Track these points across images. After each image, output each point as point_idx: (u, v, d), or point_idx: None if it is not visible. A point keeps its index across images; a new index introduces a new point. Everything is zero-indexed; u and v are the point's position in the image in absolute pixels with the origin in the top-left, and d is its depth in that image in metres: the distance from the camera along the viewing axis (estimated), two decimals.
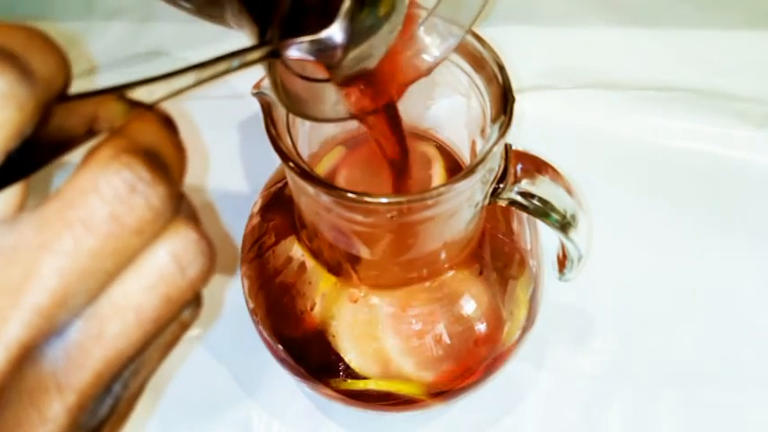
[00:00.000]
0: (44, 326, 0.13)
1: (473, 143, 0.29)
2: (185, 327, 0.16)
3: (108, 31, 0.51)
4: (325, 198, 0.24)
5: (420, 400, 0.31)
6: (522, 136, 0.43)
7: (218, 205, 0.42)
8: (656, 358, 0.38)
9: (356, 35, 0.21)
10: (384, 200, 0.23)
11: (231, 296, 0.39)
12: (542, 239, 0.34)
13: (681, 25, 0.50)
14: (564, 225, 0.28)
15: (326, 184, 0.23)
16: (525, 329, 0.32)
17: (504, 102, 0.25)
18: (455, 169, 0.32)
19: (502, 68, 0.25)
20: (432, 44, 0.26)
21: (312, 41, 0.21)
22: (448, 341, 0.30)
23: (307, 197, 0.26)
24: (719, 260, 0.40)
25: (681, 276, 0.40)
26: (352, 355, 0.30)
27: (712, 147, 0.44)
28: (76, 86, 0.15)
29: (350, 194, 0.23)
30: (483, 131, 0.26)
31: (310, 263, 0.30)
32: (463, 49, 0.26)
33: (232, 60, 0.18)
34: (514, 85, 0.25)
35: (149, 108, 0.16)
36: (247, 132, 0.45)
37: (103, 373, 0.14)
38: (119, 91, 0.15)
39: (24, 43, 0.13)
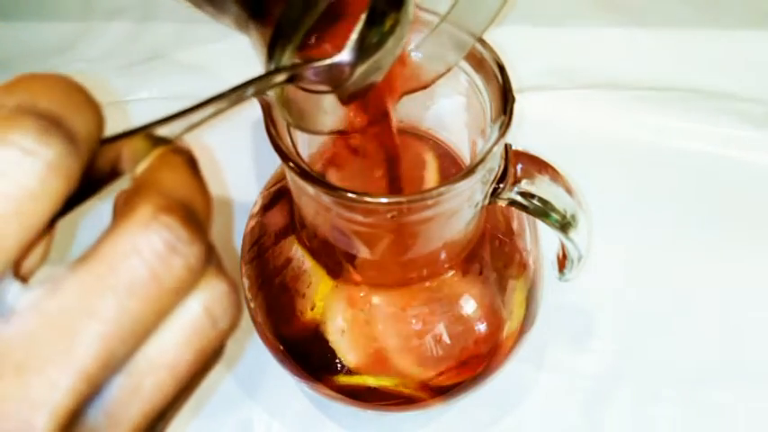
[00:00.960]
0: (89, 391, 0.13)
1: (473, 143, 0.29)
2: (208, 370, 0.16)
3: (108, 31, 0.51)
4: (325, 198, 0.24)
5: (420, 399, 0.31)
6: (522, 136, 0.43)
7: (218, 205, 0.42)
8: (656, 358, 0.38)
9: (364, 53, 0.21)
10: (384, 200, 0.23)
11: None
12: (542, 239, 0.34)
13: (681, 25, 0.50)
14: (564, 225, 0.28)
15: (326, 184, 0.23)
16: (525, 329, 0.32)
17: (504, 102, 0.25)
18: (455, 169, 0.32)
19: (502, 68, 0.25)
20: (438, 53, 0.26)
21: (328, 65, 0.21)
22: (448, 341, 0.30)
23: (307, 197, 0.26)
24: (719, 260, 0.40)
25: (681, 276, 0.40)
26: (352, 354, 0.30)
27: (712, 147, 0.44)
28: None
29: (350, 194, 0.23)
30: (483, 131, 0.26)
31: (310, 263, 0.30)
32: None
33: (249, 89, 0.18)
34: (514, 85, 0.25)
35: (169, 142, 0.16)
36: (247, 132, 0.45)
37: (141, 426, 0.15)
38: (144, 131, 0.16)
39: (65, 101, 0.14)
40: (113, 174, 0.16)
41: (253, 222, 0.33)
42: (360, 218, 0.25)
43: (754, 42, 0.49)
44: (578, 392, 0.37)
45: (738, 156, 0.44)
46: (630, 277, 0.40)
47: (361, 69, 0.21)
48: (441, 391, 0.31)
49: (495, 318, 0.31)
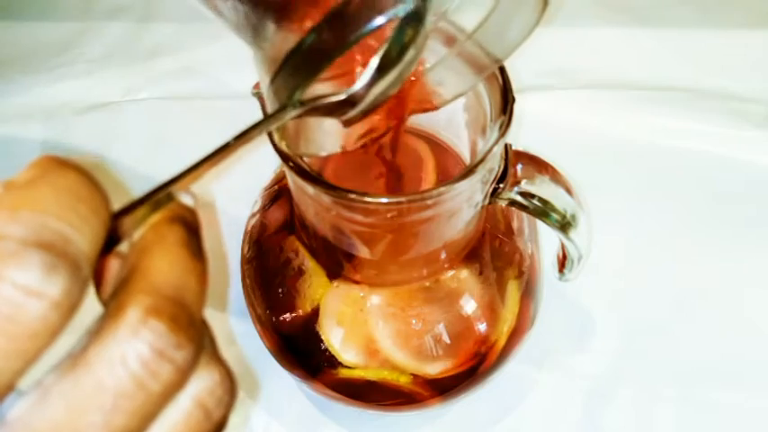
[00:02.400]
0: None
1: (473, 143, 0.29)
2: None
3: (108, 31, 0.51)
4: (325, 198, 0.24)
5: (420, 398, 0.31)
6: (522, 136, 0.43)
7: (218, 205, 0.42)
8: (656, 358, 0.38)
9: (378, 80, 0.21)
10: (384, 200, 0.23)
11: (231, 296, 0.39)
12: (542, 239, 0.34)
13: (681, 25, 0.50)
14: (564, 225, 0.28)
15: (327, 184, 0.23)
16: (525, 329, 0.32)
17: (504, 102, 0.25)
18: (455, 170, 0.32)
19: (502, 68, 0.25)
20: (457, 74, 0.25)
21: (339, 101, 0.20)
22: (447, 341, 0.30)
23: (307, 197, 0.26)
24: (719, 260, 0.40)
25: (681, 276, 0.40)
26: (351, 353, 0.30)
27: (712, 147, 0.44)
28: None
29: (350, 194, 0.23)
30: (483, 131, 0.26)
31: (310, 263, 0.30)
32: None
33: (254, 133, 0.18)
34: (514, 85, 0.25)
35: (171, 199, 0.16)
36: None
37: None
38: (147, 200, 0.16)
39: (73, 216, 0.13)
40: (113, 241, 0.16)
41: (253, 221, 0.33)
42: (360, 218, 0.25)
43: (754, 42, 0.49)
44: (578, 392, 0.37)
45: (738, 156, 0.44)
46: (630, 277, 0.40)
47: (374, 95, 0.21)
48: (440, 388, 0.31)
49: (494, 317, 0.31)
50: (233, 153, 0.18)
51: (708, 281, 0.40)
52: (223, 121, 0.47)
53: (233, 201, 0.41)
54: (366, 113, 0.22)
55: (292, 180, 0.26)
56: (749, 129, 0.45)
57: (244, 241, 0.33)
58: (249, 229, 0.33)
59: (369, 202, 0.23)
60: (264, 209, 0.33)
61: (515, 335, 0.32)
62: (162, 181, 0.16)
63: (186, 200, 0.17)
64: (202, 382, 0.15)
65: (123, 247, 0.16)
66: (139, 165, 0.45)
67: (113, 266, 0.16)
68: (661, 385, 0.37)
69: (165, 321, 0.14)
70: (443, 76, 0.25)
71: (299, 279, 0.30)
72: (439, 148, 0.33)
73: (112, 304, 0.14)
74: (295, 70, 0.18)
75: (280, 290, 0.31)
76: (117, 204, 0.16)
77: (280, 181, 0.33)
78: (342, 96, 0.20)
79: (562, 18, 0.50)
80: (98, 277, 0.16)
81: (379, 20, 0.17)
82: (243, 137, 0.18)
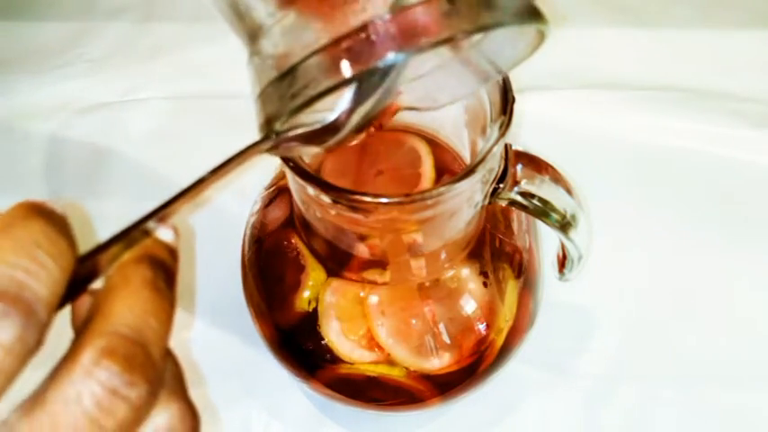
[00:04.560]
0: None
1: (473, 143, 0.29)
2: None
3: (108, 31, 0.51)
4: (324, 198, 0.24)
5: (420, 399, 0.31)
6: (522, 136, 0.43)
7: (218, 205, 0.42)
8: (656, 358, 0.38)
9: (353, 113, 0.20)
10: (384, 200, 0.23)
11: (231, 296, 0.39)
12: (542, 239, 0.34)
13: (681, 25, 0.50)
14: (564, 225, 0.28)
15: (327, 184, 0.23)
16: (525, 329, 0.32)
17: (504, 102, 0.25)
18: (455, 169, 0.32)
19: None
20: (458, 79, 0.25)
21: (320, 128, 0.20)
22: (447, 340, 0.30)
23: (306, 197, 0.26)
24: (719, 260, 0.40)
25: (681, 276, 0.40)
26: (351, 349, 0.30)
27: (712, 147, 0.44)
28: None
29: (350, 194, 0.23)
30: (483, 131, 0.26)
31: (310, 261, 0.30)
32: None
33: (231, 167, 0.19)
34: (514, 85, 0.25)
35: (147, 234, 0.17)
36: (247, 132, 0.45)
37: None
38: (121, 239, 0.16)
39: (30, 260, 0.14)
40: (91, 275, 0.16)
41: (253, 221, 0.33)
42: (360, 218, 0.25)
43: (753, 42, 0.49)
44: (578, 392, 0.37)
45: (738, 156, 0.44)
46: (630, 277, 0.40)
47: (355, 121, 0.21)
48: (440, 387, 0.31)
49: (494, 318, 0.31)
50: (209, 186, 0.18)
51: (708, 280, 0.40)
52: (223, 121, 0.47)
53: (233, 200, 0.41)
54: (348, 139, 0.22)
55: (292, 180, 0.26)
56: (749, 129, 0.45)
57: (244, 240, 0.34)
58: (249, 228, 0.34)
59: (369, 203, 0.23)
60: (264, 209, 0.33)
61: (515, 334, 0.32)
62: (135, 219, 0.17)
63: (164, 234, 0.18)
64: (162, 419, 0.16)
65: (98, 284, 0.17)
66: (139, 165, 0.45)
67: (85, 304, 0.16)
68: (661, 385, 0.37)
69: (118, 361, 0.14)
70: (443, 80, 0.25)
71: (299, 278, 0.30)
72: (439, 148, 0.33)
73: (71, 346, 0.15)
74: (279, 98, 0.18)
75: (280, 288, 0.31)
76: (93, 244, 0.16)
77: (280, 181, 0.33)
78: (320, 124, 0.20)
79: (562, 18, 0.50)
80: (75, 316, 0.17)
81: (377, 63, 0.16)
82: (218, 171, 0.18)
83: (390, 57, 0.16)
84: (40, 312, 0.14)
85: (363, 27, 0.16)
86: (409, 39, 0.16)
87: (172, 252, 0.18)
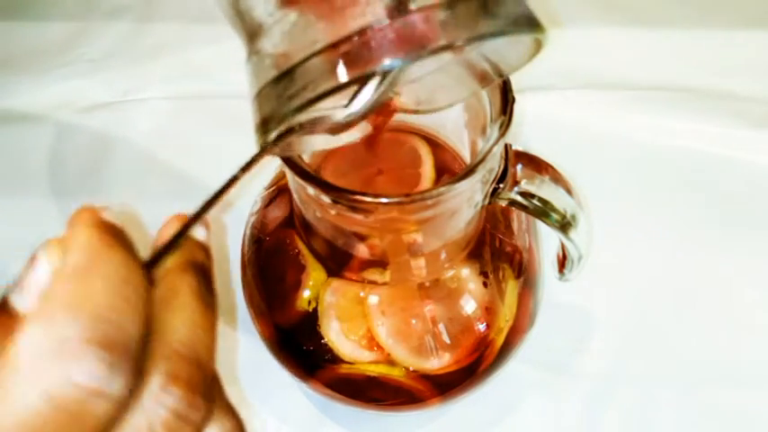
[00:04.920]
0: None
1: (473, 143, 0.29)
2: None
3: (108, 31, 0.51)
4: (324, 198, 0.24)
5: (420, 399, 0.31)
6: (522, 136, 0.43)
7: (218, 205, 0.42)
8: (656, 358, 0.38)
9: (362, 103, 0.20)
10: (384, 200, 0.23)
11: (231, 296, 0.39)
12: (542, 239, 0.34)
13: (681, 25, 0.50)
14: (564, 225, 0.28)
15: (327, 184, 0.23)
16: (525, 329, 0.32)
17: (504, 102, 0.25)
18: (455, 169, 0.32)
19: None
20: (459, 80, 0.25)
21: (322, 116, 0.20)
22: (448, 341, 0.30)
23: (306, 197, 0.26)
24: (719, 260, 0.40)
25: (680, 276, 0.40)
26: (351, 353, 0.30)
27: (712, 147, 0.44)
28: None
29: (350, 194, 0.23)
30: (483, 131, 0.26)
31: (310, 261, 0.30)
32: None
33: (242, 173, 0.20)
34: (514, 86, 0.25)
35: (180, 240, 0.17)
36: (247, 132, 0.45)
37: None
38: (171, 249, 0.17)
39: (118, 292, 0.14)
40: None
41: (253, 221, 0.33)
42: (359, 217, 0.25)
43: (753, 42, 0.49)
44: (578, 392, 0.37)
45: (738, 156, 0.44)
46: (630, 277, 0.40)
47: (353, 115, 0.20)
48: (440, 387, 0.31)
49: (494, 318, 0.31)
50: (235, 186, 0.19)
51: (708, 281, 0.40)
52: (223, 121, 0.47)
53: (233, 200, 0.41)
54: (352, 124, 0.22)
55: (292, 180, 0.26)
56: (749, 129, 0.45)
57: (244, 240, 0.34)
58: (249, 228, 0.34)
59: (369, 203, 0.23)
60: (264, 209, 0.33)
61: (515, 334, 0.32)
62: (179, 228, 0.17)
63: (199, 234, 0.18)
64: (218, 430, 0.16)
65: None
66: (139, 165, 0.45)
67: None
68: (661, 385, 0.37)
69: (182, 386, 0.15)
70: (443, 83, 0.25)
71: (299, 277, 0.30)
72: (439, 148, 0.33)
73: (142, 367, 0.15)
74: (276, 99, 0.18)
75: (280, 288, 0.31)
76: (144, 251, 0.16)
77: (280, 181, 0.33)
78: (327, 115, 0.20)
79: (562, 18, 0.50)
80: None
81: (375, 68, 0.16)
82: (246, 169, 0.19)
83: (387, 63, 0.16)
84: (136, 351, 0.14)
85: (362, 31, 0.16)
86: (407, 45, 0.16)
87: (206, 251, 0.18)
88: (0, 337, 0.15)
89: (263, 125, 0.19)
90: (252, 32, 0.19)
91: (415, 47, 0.16)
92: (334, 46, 0.17)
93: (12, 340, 0.13)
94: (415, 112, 0.27)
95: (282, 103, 0.18)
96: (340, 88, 0.17)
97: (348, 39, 0.16)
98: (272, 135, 0.19)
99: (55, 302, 0.13)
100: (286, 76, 0.18)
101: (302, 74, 0.17)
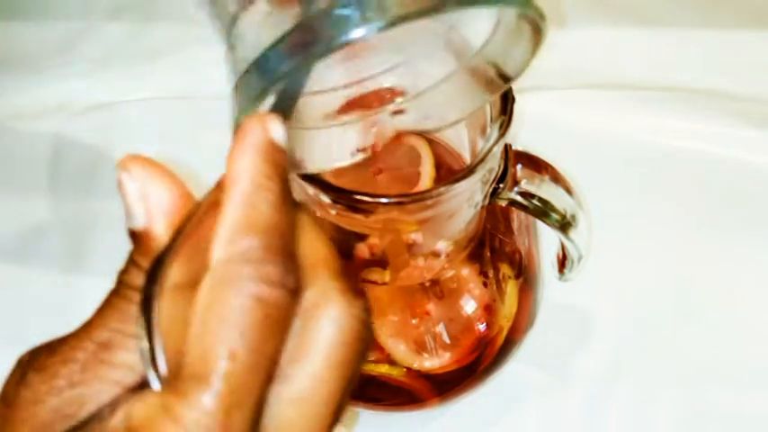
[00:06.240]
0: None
1: (473, 143, 0.29)
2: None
3: (108, 31, 0.51)
4: (324, 198, 0.24)
5: (420, 399, 0.31)
6: (522, 136, 0.43)
7: None
8: (656, 359, 0.38)
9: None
10: (384, 200, 0.23)
11: None
12: (542, 239, 0.34)
13: (681, 25, 0.50)
14: (564, 225, 0.28)
15: (327, 184, 0.23)
16: (525, 329, 0.32)
17: (504, 102, 0.25)
18: (455, 169, 0.32)
19: None
20: (465, 92, 0.24)
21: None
22: (448, 341, 0.30)
23: (306, 197, 0.26)
24: (719, 260, 0.40)
25: (681, 276, 0.40)
26: None
27: (712, 147, 0.44)
28: None
29: (349, 194, 0.23)
30: (483, 131, 0.26)
31: None
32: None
33: None
34: (514, 85, 0.25)
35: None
36: None
37: None
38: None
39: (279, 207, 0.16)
40: None
41: None
42: (359, 217, 0.25)
43: (754, 42, 0.49)
44: (578, 392, 0.37)
45: (738, 156, 0.44)
46: (630, 277, 0.40)
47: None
48: (440, 386, 0.31)
49: (494, 317, 0.31)
50: None
51: (708, 281, 0.40)
52: (223, 121, 0.47)
53: None
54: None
55: (292, 179, 0.26)
56: (749, 129, 0.45)
57: None
58: None
59: (369, 202, 0.23)
60: None
61: (515, 334, 0.32)
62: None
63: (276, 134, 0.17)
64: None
65: None
66: None
67: None
68: (661, 385, 0.37)
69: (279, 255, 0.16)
70: (449, 95, 0.25)
71: None
72: (439, 148, 0.33)
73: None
74: (247, 92, 0.18)
75: None
76: None
77: None
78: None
79: (562, 18, 0.50)
80: None
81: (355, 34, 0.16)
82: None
83: (342, 38, 0.16)
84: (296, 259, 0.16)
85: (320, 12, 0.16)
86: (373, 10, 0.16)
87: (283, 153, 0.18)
88: (116, 320, 0.16)
89: (239, 113, 0.19)
90: (227, 26, 0.20)
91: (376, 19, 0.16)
92: (292, 30, 0.17)
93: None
94: (424, 130, 0.27)
95: (252, 95, 0.18)
96: (291, 72, 0.17)
97: (305, 21, 0.16)
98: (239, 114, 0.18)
99: (235, 227, 0.15)
100: (253, 67, 0.18)
101: (265, 63, 0.17)
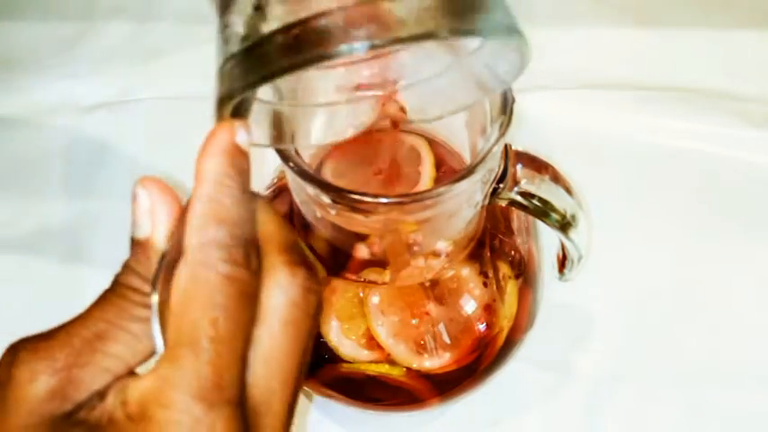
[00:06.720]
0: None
1: (473, 143, 0.29)
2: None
3: (108, 31, 0.51)
4: (324, 198, 0.24)
5: (420, 399, 0.31)
6: (522, 136, 0.43)
7: None
8: (656, 358, 0.38)
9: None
10: (384, 200, 0.23)
11: None
12: (542, 239, 0.34)
13: (681, 25, 0.50)
14: (564, 225, 0.28)
15: (327, 184, 0.23)
16: (525, 329, 0.32)
17: (504, 102, 0.25)
18: (454, 169, 0.32)
19: None
20: (459, 88, 0.24)
21: None
22: (448, 341, 0.30)
23: (306, 197, 0.26)
24: (719, 260, 0.40)
25: (681, 276, 0.40)
26: (351, 353, 0.30)
27: (712, 147, 0.44)
28: None
29: (350, 194, 0.23)
30: (483, 131, 0.26)
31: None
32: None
33: None
34: (514, 85, 0.25)
35: None
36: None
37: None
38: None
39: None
40: None
41: None
42: (359, 217, 0.25)
43: (754, 42, 0.49)
44: (578, 392, 0.37)
45: (738, 156, 0.44)
46: (630, 277, 0.40)
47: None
48: (440, 386, 0.31)
49: (494, 317, 0.31)
50: None
51: (708, 280, 0.40)
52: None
53: None
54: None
55: (292, 180, 0.26)
56: (749, 129, 0.45)
57: None
58: None
59: (369, 203, 0.23)
60: None
61: (515, 334, 0.32)
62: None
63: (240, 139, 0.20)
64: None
65: None
66: (139, 165, 0.45)
67: None
68: (661, 385, 0.37)
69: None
70: (445, 89, 0.25)
71: None
72: (439, 148, 0.33)
73: (265, 266, 0.19)
74: (238, 74, 0.19)
75: None
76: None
77: (280, 181, 0.33)
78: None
79: (562, 18, 0.50)
80: None
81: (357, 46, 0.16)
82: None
83: (344, 47, 0.16)
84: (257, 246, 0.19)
85: (325, 12, 0.16)
86: (366, 29, 0.16)
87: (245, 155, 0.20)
88: (112, 313, 0.18)
89: (223, 101, 0.20)
90: (224, 4, 0.20)
91: (374, 33, 0.16)
92: (295, 24, 0.17)
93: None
94: (422, 120, 0.27)
95: (243, 78, 0.18)
96: (298, 66, 0.17)
97: (311, 18, 0.17)
98: (228, 110, 0.20)
99: (203, 218, 0.17)
100: (248, 51, 0.18)
101: (262, 51, 0.18)
